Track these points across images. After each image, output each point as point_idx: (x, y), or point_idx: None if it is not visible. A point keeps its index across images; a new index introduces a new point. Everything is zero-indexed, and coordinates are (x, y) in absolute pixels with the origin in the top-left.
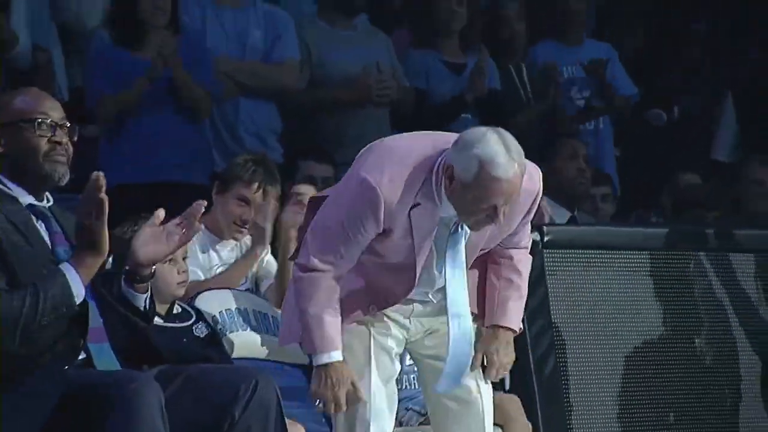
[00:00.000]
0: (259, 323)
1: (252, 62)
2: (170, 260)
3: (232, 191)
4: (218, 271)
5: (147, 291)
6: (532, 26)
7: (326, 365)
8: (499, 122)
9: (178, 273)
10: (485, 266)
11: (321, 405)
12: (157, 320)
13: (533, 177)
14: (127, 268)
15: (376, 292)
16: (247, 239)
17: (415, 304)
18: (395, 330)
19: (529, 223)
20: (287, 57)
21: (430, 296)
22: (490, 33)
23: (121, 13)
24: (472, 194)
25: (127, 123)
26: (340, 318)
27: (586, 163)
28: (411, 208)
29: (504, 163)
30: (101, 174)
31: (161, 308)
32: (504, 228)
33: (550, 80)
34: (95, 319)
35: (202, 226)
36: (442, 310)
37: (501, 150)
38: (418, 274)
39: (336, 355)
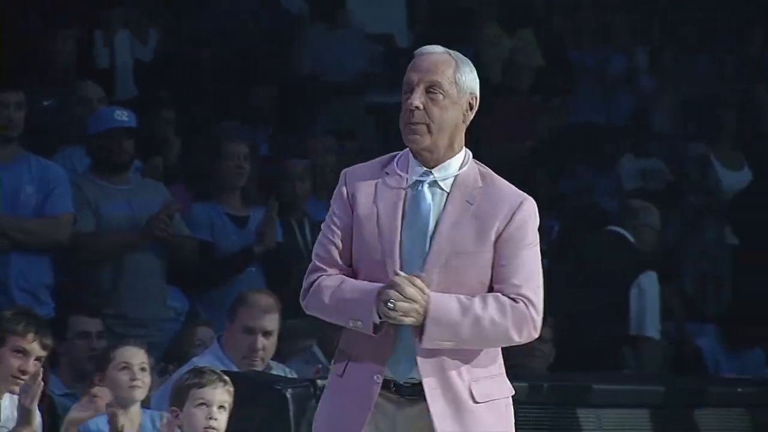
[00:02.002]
0: None
1: (24, 217)
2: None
3: (7, 345)
4: None
5: None
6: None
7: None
8: (282, 275)
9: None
10: None
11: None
12: None
13: (517, 190)
14: None
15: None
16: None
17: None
18: None
19: (527, 265)
20: (61, 211)
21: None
22: (273, 188)
23: None
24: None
25: None
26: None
27: None
28: (377, 183)
29: (426, 47)
30: None
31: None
32: (471, 223)
33: None
34: None
35: None
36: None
37: None
38: (394, 249)
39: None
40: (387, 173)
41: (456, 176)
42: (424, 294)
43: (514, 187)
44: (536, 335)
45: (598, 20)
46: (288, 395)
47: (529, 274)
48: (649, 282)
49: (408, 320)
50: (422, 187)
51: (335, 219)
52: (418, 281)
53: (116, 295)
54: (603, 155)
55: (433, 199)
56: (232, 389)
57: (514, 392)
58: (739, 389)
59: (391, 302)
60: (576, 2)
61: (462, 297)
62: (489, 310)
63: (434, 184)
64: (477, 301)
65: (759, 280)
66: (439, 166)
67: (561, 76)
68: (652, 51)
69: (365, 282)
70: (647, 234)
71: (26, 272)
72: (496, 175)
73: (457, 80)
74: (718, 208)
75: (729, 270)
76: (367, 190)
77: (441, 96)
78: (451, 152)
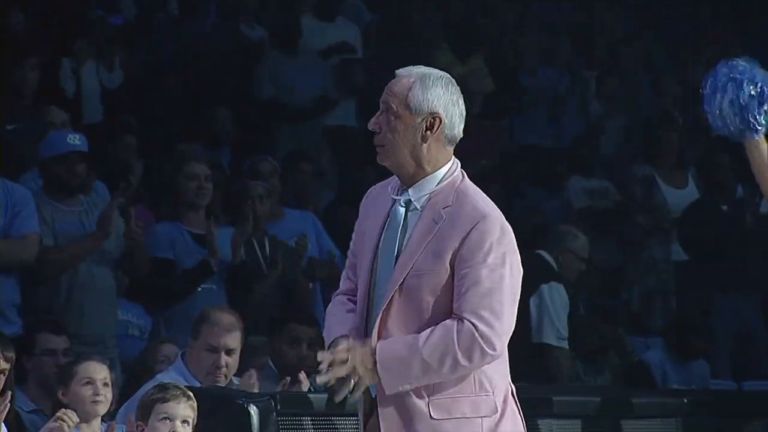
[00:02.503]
0: None
1: None
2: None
3: None
4: None
5: None
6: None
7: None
8: (243, 292)
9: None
10: None
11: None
12: None
13: (481, 209)
14: None
15: None
16: None
17: None
18: None
19: (481, 284)
20: (27, 231)
21: None
22: (234, 208)
23: None
24: None
25: None
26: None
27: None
28: (377, 202)
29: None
30: None
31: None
32: (432, 243)
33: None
34: None
35: None
36: None
37: None
38: (367, 270)
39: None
40: (389, 192)
41: (430, 195)
42: (359, 351)
43: (482, 204)
44: (492, 352)
45: (545, 45)
46: (251, 410)
47: (484, 292)
48: (551, 291)
49: (360, 382)
50: (397, 206)
51: (353, 236)
52: (340, 346)
53: (71, 313)
54: (552, 176)
55: (407, 219)
56: (195, 404)
57: (498, 412)
58: (685, 399)
59: (318, 380)
60: (523, 28)
61: (409, 336)
62: (432, 343)
63: (409, 203)
64: (423, 337)
65: (703, 294)
66: (414, 186)
67: (510, 99)
68: (598, 75)
69: (338, 319)
70: (569, 260)
71: None
72: (473, 193)
73: (408, 101)
74: (664, 225)
75: (674, 285)
76: (368, 210)
77: (392, 117)
78: (422, 171)
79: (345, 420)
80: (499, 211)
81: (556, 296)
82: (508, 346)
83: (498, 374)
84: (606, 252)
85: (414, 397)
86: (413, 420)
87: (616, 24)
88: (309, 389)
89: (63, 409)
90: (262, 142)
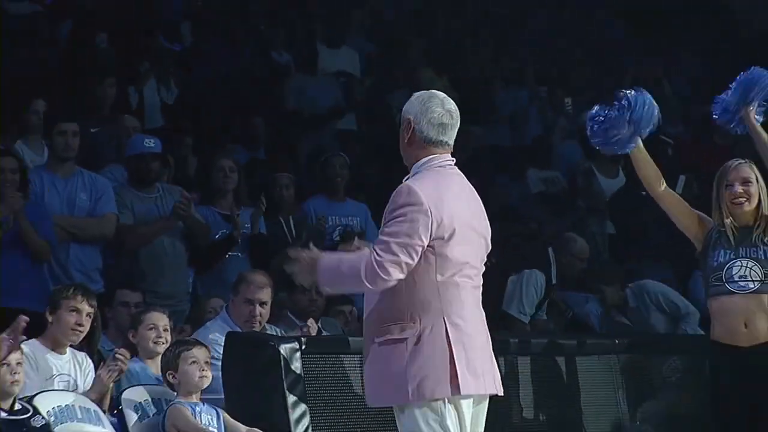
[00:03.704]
0: (83, 416)
1: (79, 217)
2: (5, 365)
3: (63, 306)
4: (57, 377)
5: None
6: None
7: None
8: (265, 259)
9: (12, 374)
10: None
11: None
12: (1, 414)
13: (403, 183)
14: None
15: None
16: (79, 355)
17: None
18: None
19: (385, 232)
20: (107, 212)
21: None
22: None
23: None
24: None
25: None
26: None
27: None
28: None
29: None
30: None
31: (5, 404)
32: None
33: (317, 228)
34: None
35: (38, 342)
36: None
37: None
38: None
39: None
40: None
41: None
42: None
43: (408, 181)
44: (384, 276)
45: (511, 66)
46: (280, 349)
47: (386, 235)
48: (530, 276)
49: (301, 279)
50: None
51: None
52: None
53: (150, 274)
54: (515, 168)
55: None
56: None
57: (417, 331)
58: (617, 341)
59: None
60: (494, 53)
61: (342, 254)
62: (351, 261)
63: None
64: (349, 257)
65: (630, 260)
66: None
67: (483, 110)
68: (549, 89)
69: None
70: (572, 261)
71: (81, 258)
72: (417, 177)
73: (401, 112)
74: (599, 207)
75: (607, 253)
76: None
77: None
78: (408, 166)
79: (351, 356)
80: (424, 188)
81: (532, 282)
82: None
83: (427, 312)
84: (555, 227)
85: (370, 327)
86: (368, 344)
87: (567, 51)
88: (318, 332)
89: (118, 349)
90: (289, 143)
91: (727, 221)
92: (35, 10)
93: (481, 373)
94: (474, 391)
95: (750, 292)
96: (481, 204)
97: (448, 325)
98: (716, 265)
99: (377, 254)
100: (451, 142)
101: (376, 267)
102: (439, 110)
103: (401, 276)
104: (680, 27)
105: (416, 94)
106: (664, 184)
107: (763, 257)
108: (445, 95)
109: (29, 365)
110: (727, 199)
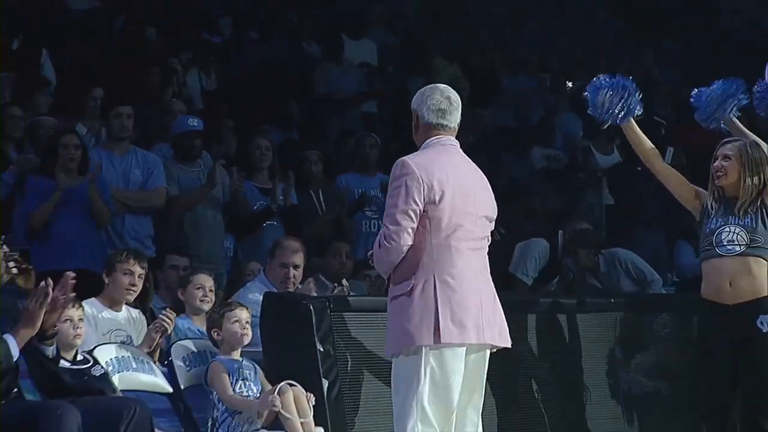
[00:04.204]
0: (138, 366)
1: (133, 191)
2: (67, 321)
3: (118, 269)
4: (114, 331)
5: (53, 344)
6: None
7: None
8: (297, 228)
9: (74, 329)
10: None
11: None
12: (65, 364)
13: (396, 164)
14: (37, 332)
15: None
16: (133, 312)
17: None
18: None
19: (388, 205)
20: (157, 186)
21: None
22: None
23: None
24: None
25: (53, 229)
26: None
27: (348, 257)
28: None
29: None
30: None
31: (68, 355)
32: None
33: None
34: (22, 366)
35: (96, 301)
36: None
37: None
38: None
39: None
40: None
41: None
42: None
43: (400, 159)
44: (391, 243)
45: (518, 55)
46: (311, 308)
47: (389, 207)
48: (536, 245)
49: None
50: None
51: None
52: None
53: (192, 239)
54: (521, 146)
55: None
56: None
57: (411, 286)
58: (612, 300)
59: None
60: (502, 42)
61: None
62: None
63: None
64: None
65: (625, 228)
66: None
67: (492, 93)
68: (552, 76)
69: None
70: (584, 254)
71: (135, 227)
72: (409, 156)
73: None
74: (595, 182)
75: (604, 221)
76: None
77: None
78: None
79: (374, 314)
80: (415, 159)
81: (536, 249)
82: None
83: (422, 269)
84: (557, 199)
85: (389, 288)
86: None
87: (568, 48)
88: (348, 293)
89: (165, 311)
90: (318, 124)
91: (714, 192)
92: (93, 6)
93: (472, 326)
94: (457, 341)
95: (736, 255)
96: (485, 179)
97: (437, 282)
98: (708, 231)
99: (386, 227)
100: (453, 125)
101: (386, 239)
102: (437, 98)
103: (410, 240)
104: (670, 23)
105: (421, 89)
106: (662, 160)
107: (749, 224)
108: (447, 86)
109: (88, 322)
110: (711, 172)
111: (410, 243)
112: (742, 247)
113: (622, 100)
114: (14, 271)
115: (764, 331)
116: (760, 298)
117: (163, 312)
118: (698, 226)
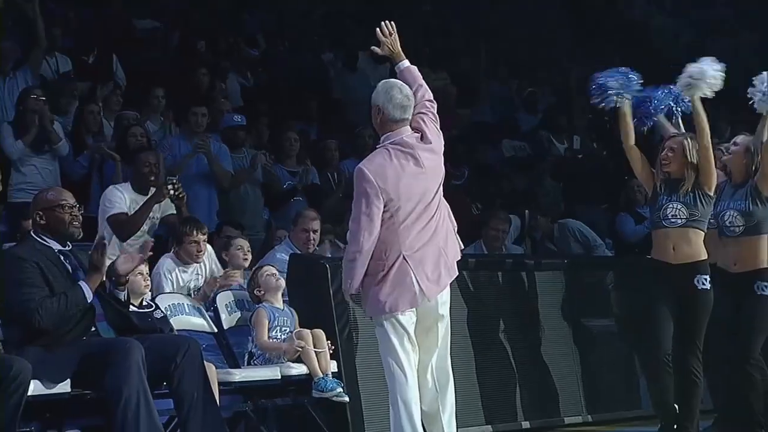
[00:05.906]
0: (190, 311)
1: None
2: (139, 274)
3: (185, 240)
4: (188, 286)
5: (125, 290)
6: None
7: None
8: (318, 202)
9: (144, 281)
10: None
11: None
12: (133, 308)
13: (355, 173)
14: (113, 278)
15: None
16: (199, 268)
17: None
18: None
19: (353, 208)
20: (223, 171)
21: None
22: (315, 156)
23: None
24: None
25: None
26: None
27: None
28: None
29: None
30: (104, 236)
31: (136, 301)
32: None
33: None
34: (98, 309)
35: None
36: None
37: None
38: None
39: None
40: None
41: None
42: None
43: (358, 168)
44: (354, 248)
45: (491, 60)
46: (327, 266)
47: (354, 211)
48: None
49: None
50: None
51: None
52: None
53: (238, 211)
54: (492, 139)
55: None
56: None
57: (386, 269)
58: (565, 260)
59: None
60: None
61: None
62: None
63: None
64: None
65: (577, 207)
66: None
67: (468, 95)
68: (519, 83)
69: None
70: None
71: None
72: (365, 161)
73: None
74: (554, 169)
75: (560, 202)
76: None
77: None
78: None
79: None
80: (369, 163)
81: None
82: None
83: (392, 251)
84: (522, 181)
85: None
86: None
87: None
88: None
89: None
90: (335, 120)
91: (662, 176)
92: (155, 26)
93: (422, 287)
94: (408, 306)
95: (678, 227)
96: (420, 164)
97: (408, 260)
98: (657, 206)
99: (351, 229)
100: (409, 117)
101: (353, 239)
102: (399, 96)
103: (370, 240)
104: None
105: (379, 84)
106: (633, 140)
107: (689, 202)
108: (402, 83)
109: (163, 275)
110: (658, 160)
111: (373, 242)
112: (683, 220)
113: (619, 88)
114: (171, 192)
115: (700, 288)
116: (697, 261)
117: (212, 277)
118: (650, 201)
